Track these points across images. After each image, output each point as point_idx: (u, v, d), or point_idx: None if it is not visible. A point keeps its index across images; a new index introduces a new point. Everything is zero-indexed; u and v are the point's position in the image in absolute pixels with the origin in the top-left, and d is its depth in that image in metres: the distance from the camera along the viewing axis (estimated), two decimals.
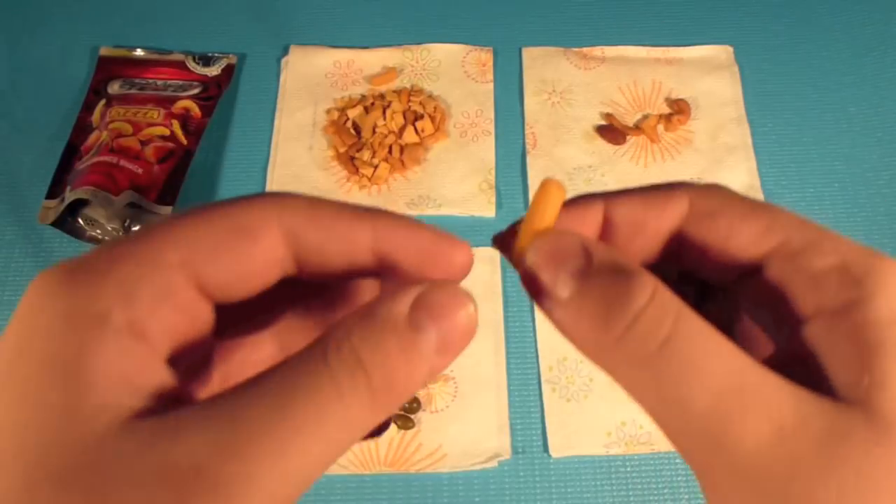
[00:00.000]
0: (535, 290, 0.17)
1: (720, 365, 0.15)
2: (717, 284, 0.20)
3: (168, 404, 0.14)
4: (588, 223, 0.18)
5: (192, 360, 0.16)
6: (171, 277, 0.14)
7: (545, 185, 0.18)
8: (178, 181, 0.57)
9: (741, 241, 0.18)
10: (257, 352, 0.19)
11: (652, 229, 0.18)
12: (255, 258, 0.15)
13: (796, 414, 0.15)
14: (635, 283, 0.16)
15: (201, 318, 0.16)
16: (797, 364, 0.17)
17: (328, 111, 0.62)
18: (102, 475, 0.12)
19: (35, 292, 0.14)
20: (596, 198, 0.19)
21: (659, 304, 0.16)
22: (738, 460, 0.15)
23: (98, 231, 0.56)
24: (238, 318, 0.18)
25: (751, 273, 0.18)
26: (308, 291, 0.19)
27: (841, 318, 0.16)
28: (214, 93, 0.62)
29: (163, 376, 0.14)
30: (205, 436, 0.13)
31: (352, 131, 0.60)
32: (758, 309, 0.19)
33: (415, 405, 0.50)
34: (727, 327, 0.18)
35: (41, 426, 0.13)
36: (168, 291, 0.14)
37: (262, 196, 0.16)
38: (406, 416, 0.50)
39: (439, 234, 0.17)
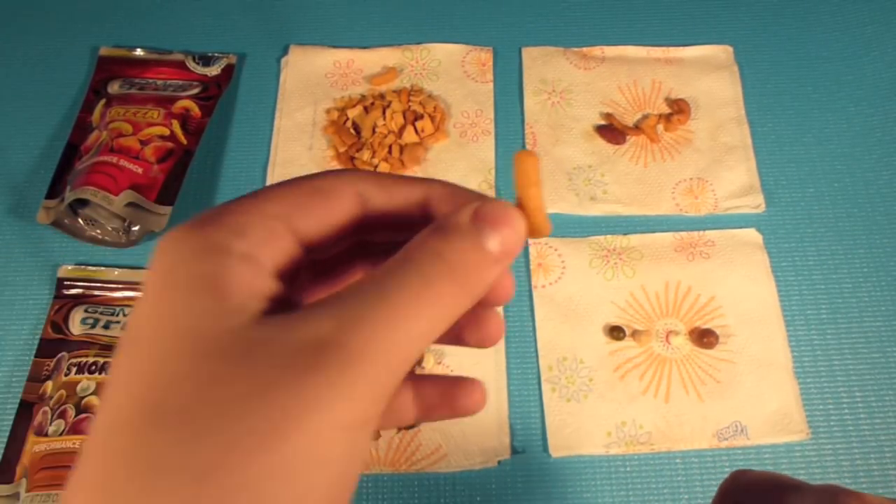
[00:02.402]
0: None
1: None
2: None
3: (284, 308, 0.18)
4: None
5: (294, 291, 0.20)
6: (272, 225, 0.19)
7: (521, 159, 0.20)
8: (178, 181, 0.57)
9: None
10: None
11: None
12: (334, 212, 0.20)
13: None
14: None
15: (298, 259, 0.20)
16: None
17: (328, 111, 0.62)
18: (248, 351, 0.16)
19: (168, 241, 0.18)
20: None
21: None
22: None
23: (98, 231, 0.56)
24: (330, 279, 0.23)
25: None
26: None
27: None
28: (214, 93, 0.62)
29: (278, 289, 0.18)
30: (325, 319, 0.17)
31: (352, 131, 0.60)
32: None
33: None
34: None
35: (196, 325, 0.17)
36: (271, 234, 0.19)
37: (339, 170, 0.21)
38: None
39: (477, 196, 0.21)
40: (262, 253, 0.18)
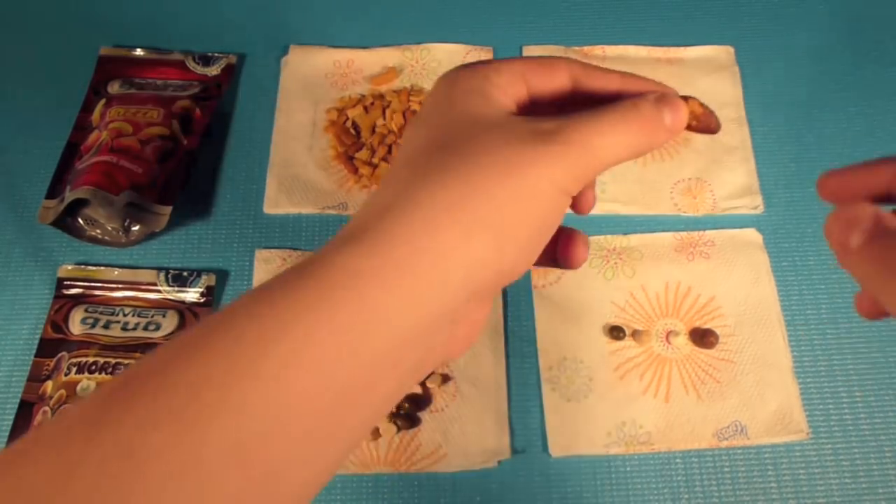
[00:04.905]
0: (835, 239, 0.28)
1: None
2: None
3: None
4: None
5: None
6: (515, 75, 0.27)
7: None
8: (178, 181, 0.57)
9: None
10: None
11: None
12: (554, 80, 0.28)
13: None
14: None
15: (526, 104, 0.28)
16: None
17: (328, 111, 0.62)
18: (500, 127, 0.25)
19: (450, 71, 0.28)
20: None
21: None
22: None
23: (98, 231, 0.56)
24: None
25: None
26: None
27: None
28: (214, 93, 0.62)
29: (517, 111, 0.27)
30: (551, 121, 0.25)
31: (352, 131, 0.60)
32: None
33: (415, 404, 0.50)
34: None
35: (469, 108, 0.26)
36: (514, 79, 0.27)
37: (559, 57, 0.29)
38: (407, 415, 0.50)
39: (661, 86, 0.29)
40: (508, 87, 0.27)
